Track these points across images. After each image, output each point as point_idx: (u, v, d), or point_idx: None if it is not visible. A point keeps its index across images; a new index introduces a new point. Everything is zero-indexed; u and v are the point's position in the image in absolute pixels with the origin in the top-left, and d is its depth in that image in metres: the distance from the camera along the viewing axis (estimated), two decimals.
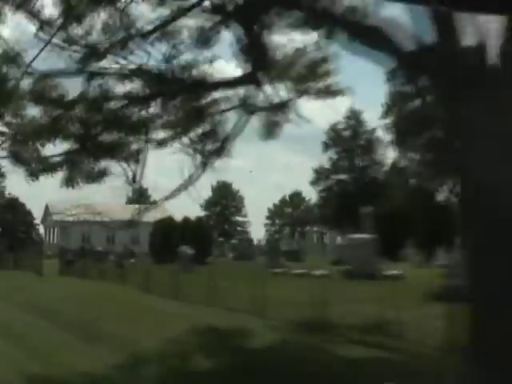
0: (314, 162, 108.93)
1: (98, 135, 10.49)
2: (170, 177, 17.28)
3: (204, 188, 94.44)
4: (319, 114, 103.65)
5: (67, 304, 15.99)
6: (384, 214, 31.32)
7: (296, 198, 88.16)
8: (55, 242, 63.41)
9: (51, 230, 65.31)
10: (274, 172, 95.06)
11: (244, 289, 13.91)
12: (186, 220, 35.93)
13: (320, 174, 57.29)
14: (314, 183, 57.43)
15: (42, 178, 10.94)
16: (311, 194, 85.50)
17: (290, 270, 23.89)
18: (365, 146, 55.46)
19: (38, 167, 11.05)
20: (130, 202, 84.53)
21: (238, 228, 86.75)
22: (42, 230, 71.54)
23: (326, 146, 55.98)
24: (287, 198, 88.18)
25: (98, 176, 10.84)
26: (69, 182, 10.82)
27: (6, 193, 59.42)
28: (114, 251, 40.46)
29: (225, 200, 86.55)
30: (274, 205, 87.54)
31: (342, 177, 56.86)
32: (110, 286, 19.95)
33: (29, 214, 71.48)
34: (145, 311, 14.26)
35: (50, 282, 23.78)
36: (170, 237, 33.30)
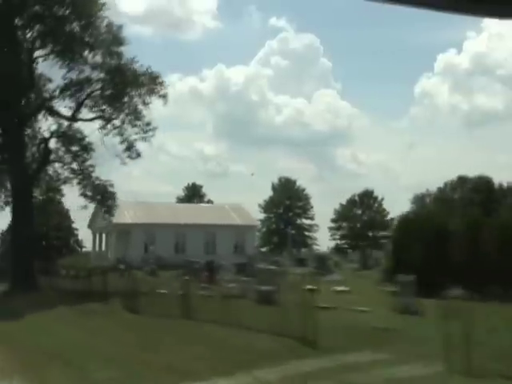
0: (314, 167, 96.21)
1: None
2: None
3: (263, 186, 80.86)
4: (320, 118, 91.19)
5: None
6: None
7: (366, 197, 74.61)
8: (109, 250, 48.61)
9: (103, 235, 50.43)
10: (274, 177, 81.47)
11: None
12: (476, 221, 20.47)
13: None
14: None
15: None
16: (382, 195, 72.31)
17: None
18: None
19: None
20: (179, 200, 70.31)
21: (306, 233, 72.98)
22: (81, 235, 57.05)
23: None
24: (356, 197, 74.41)
25: None
26: None
27: (94, 176, 31.78)
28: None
29: (288, 200, 72.63)
30: (341, 205, 73.61)
31: None
32: None
33: (65, 215, 56.26)
34: None
35: None
36: (442, 247, 19.18)
